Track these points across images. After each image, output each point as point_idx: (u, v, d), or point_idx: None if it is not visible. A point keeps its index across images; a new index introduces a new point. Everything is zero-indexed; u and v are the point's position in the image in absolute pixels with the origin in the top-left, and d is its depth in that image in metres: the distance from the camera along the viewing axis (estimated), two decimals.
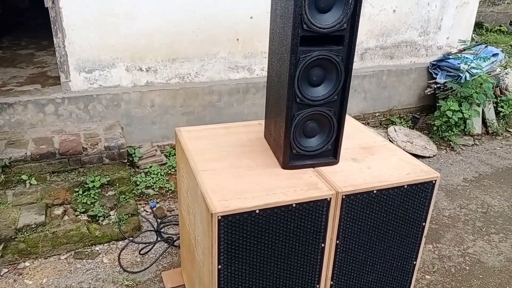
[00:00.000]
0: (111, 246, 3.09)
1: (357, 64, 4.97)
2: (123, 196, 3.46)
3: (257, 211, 1.70)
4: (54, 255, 2.94)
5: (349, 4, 1.72)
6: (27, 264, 2.86)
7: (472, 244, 3.28)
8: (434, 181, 1.99)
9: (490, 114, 5.34)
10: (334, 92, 1.87)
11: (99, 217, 3.20)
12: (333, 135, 1.97)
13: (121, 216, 3.24)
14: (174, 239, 3.15)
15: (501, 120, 5.44)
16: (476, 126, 5.15)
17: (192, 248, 2.21)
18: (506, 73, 5.83)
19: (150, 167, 3.91)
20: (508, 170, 4.48)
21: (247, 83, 4.40)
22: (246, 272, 1.81)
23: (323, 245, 1.90)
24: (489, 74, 5.04)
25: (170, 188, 3.78)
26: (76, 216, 3.17)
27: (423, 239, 2.14)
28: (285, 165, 1.95)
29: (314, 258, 1.91)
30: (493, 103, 5.35)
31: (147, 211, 3.52)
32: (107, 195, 3.45)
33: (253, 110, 4.50)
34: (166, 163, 4.08)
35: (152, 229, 3.29)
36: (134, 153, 3.91)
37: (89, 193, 3.38)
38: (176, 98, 4.15)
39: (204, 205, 1.73)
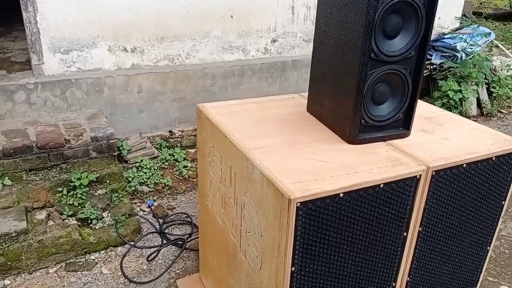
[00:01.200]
0: (109, 253, 2.60)
1: None
2: (116, 194, 2.97)
3: (341, 195, 1.33)
4: (41, 268, 2.42)
5: None
6: (7, 282, 2.33)
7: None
8: None
9: (484, 95, 5.24)
10: (412, 46, 1.53)
11: (91, 220, 2.70)
12: (406, 100, 1.63)
13: (117, 218, 2.76)
14: (186, 240, 2.71)
15: (494, 101, 5.37)
16: (472, 107, 5.03)
17: (229, 248, 1.80)
18: (493, 54, 5.80)
19: (141, 161, 3.43)
20: None
21: (243, 65, 4.00)
22: (321, 274, 1.44)
23: (405, 234, 1.56)
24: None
25: (166, 184, 3.32)
26: (63, 220, 2.66)
27: (500, 220, 1.85)
28: (353, 139, 1.59)
29: (394, 251, 1.57)
30: (485, 84, 5.26)
31: (144, 211, 3.05)
32: (96, 194, 2.95)
33: (249, 95, 4.11)
34: (158, 156, 3.60)
35: (155, 230, 2.83)
36: (122, 145, 3.41)
37: (75, 192, 2.86)
38: (165, 83, 3.68)
39: (270, 191, 1.34)
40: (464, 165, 1.56)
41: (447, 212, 1.63)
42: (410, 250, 1.61)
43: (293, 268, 1.35)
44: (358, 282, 1.55)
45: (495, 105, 5.31)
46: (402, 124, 1.68)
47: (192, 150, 3.85)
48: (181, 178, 3.49)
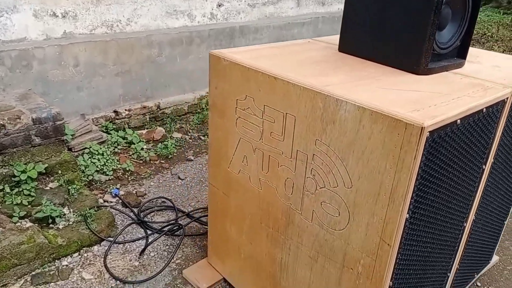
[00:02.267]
0: (85, 255, 2.09)
1: (294, 11, 4.55)
2: (73, 186, 2.42)
3: (458, 122, 1.13)
4: None
5: None
6: None
7: None
8: None
9: None
10: None
11: (53, 218, 2.15)
12: (466, 23, 1.49)
13: (84, 213, 2.24)
14: (182, 225, 2.31)
15: None
16: None
17: (277, 216, 1.50)
18: None
19: (90, 147, 2.87)
20: None
21: (190, 32, 3.59)
22: (428, 219, 1.24)
23: (484, 166, 1.43)
24: None
25: (127, 169, 2.83)
26: (15, 223, 2.06)
27: None
28: (424, 68, 1.40)
29: (472, 187, 1.43)
30: None
31: (109, 201, 2.54)
32: (48, 188, 2.37)
33: (199, 66, 3.72)
34: (106, 140, 3.06)
35: (133, 221, 2.37)
36: (64, 130, 2.80)
37: (21, 189, 2.26)
38: (107, 54, 3.12)
39: (378, 126, 1.08)
40: None
41: (510, 140, 1.55)
42: (481, 186, 1.50)
43: (407, 215, 1.13)
44: (447, 222, 1.38)
45: None
46: (457, 54, 1.55)
47: (144, 131, 3.36)
48: (141, 161, 3.01)
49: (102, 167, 2.78)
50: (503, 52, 6.71)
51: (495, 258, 2.19)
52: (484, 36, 7.48)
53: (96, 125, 3.15)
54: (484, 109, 1.23)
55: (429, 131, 1.03)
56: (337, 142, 1.21)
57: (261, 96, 1.42)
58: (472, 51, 1.83)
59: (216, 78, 1.62)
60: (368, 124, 1.11)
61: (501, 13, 10.81)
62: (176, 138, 3.34)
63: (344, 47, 1.67)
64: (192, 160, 3.08)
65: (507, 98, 1.33)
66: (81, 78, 3.05)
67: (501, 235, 2.04)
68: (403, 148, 1.05)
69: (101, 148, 2.89)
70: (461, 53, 1.54)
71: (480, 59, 1.69)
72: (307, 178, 1.35)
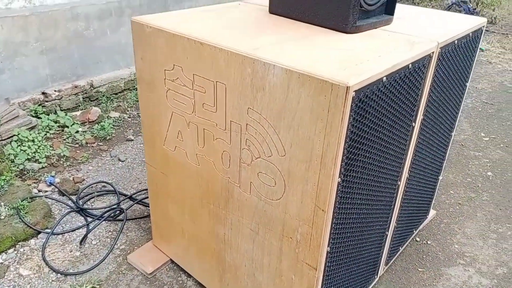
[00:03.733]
0: (21, 249, 1.96)
1: None
2: (2, 178, 2.24)
3: (384, 79, 1.11)
4: None
5: None
6: None
7: None
8: (482, 28, 1.73)
9: None
10: None
11: None
12: None
13: (16, 205, 2.08)
14: (124, 209, 2.21)
15: None
16: None
17: (216, 191, 1.46)
18: None
19: (18, 134, 2.65)
20: None
21: (120, 2, 3.36)
22: (361, 183, 1.23)
23: (413, 124, 1.45)
24: None
25: (62, 155, 2.65)
26: None
27: (462, 102, 1.90)
28: (353, 27, 1.37)
29: (403, 145, 1.45)
30: None
31: (44, 191, 2.38)
32: None
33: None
34: (37, 125, 2.85)
35: (71, 209, 2.24)
36: None
37: None
38: (27, 30, 2.86)
39: (305, 89, 1.05)
40: (456, 41, 1.50)
41: (438, 96, 1.58)
42: (413, 144, 1.53)
43: (339, 179, 1.11)
44: (380, 182, 1.40)
45: None
46: (385, 10, 1.52)
47: (78, 113, 3.16)
48: (77, 145, 2.83)
49: (33, 154, 2.59)
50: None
51: (432, 213, 2.29)
52: None
53: (23, 110, 2.92)
54: (410, 65, 1.22)
55: (355, 91, 1.00)
56: (268, 109, 1.16)
57: (190, 65, 1.34)
58: (401, 7, 1.82)
59: (141, 48, 1.51)
60: (296, 87, 1.07)
61: None
62: (114, 117, 3.17)
63: (274, 8, 1.60)
64: (132, 140, 2.94)
65: (433, 53, 1.34)
66: (1, 59, 2.78)
67: (437, 190, 2.12)
68: (330, 110, 1.01)
69: (31, 134, 2.69)
70: (389, 10, 1.52)
71: (408, 15, 1.69)
72: (242, 149, 1.30)
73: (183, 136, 1.50)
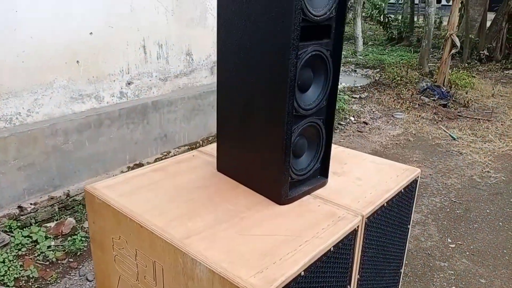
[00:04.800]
0: None
1: (208, 79, 4.67)
2: None
3: (302, 273, 1.21)
4: None
5: None
6: None
7: None
8: (417, 178, 1.87)
9: None
10: (324, 97, 1.52)
11: None
12: (322, 149, 1.61)
13: None
14: None
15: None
16: None
17: None
18: None
19: None
20: None
21: (98, 114, 3.56)
22: None
23: (349, 287, 1.52)
24: None
25: (31, 276, 2.68)
26: None
27: (407, 243, 1.99)
28: (285, 199, 1.49)
29: None
30: None
31: None
32: None
33: (111, 147, 3.68)
34: (9, 242, 2.90)
35: None
36: None
37: None
38: (6, 150, 3.00)
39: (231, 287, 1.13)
40: (385, 204, 1.62)
41: (375, 254, 1.67)
42: None
43: None
44: None
45: (335, 119, 5.96)
46: (321, 172, 1.66)
47: (52, 224, 3.22)
48: (48, 263, 2.87)
49: (2, 277, 2.62)
50: (411, 95, 7.28)
51: None
52: (395, 80, 8.07)
53: None
54: (332, 248, 1.32)
55: None
56: None
57: (133, 240, 1.44)
58: (342, 155, 1.98)
59: (93, 214, 1.61)
60: (219, 286, 1.15)
61: (412, 52, 11.78)
62: (87, 228, 3.24)
63: (220, 167, 1.74)
64: None
65: (358, 227, 1.45)
66: None
67: None
68: None
69: (1, 255, 2.73)
70: (323, 173, 1.66)
71: (346, 169, 1.83)
72: None
73: None
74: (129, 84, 3.84)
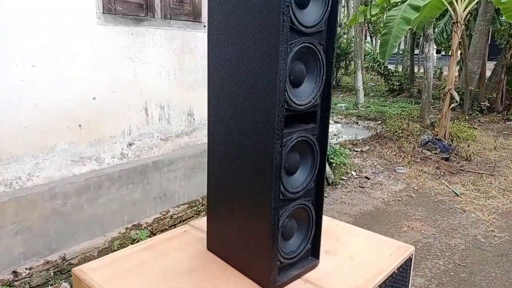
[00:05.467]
0: None
1: None
2: None
3: None
4: None
5: (321, 76, 1.46)
6: None
7: None
8: (411, 256, 1.84)
9: (327, 167, 5.85)
10: (312, 178, 1.54)
11: None
12: (312, 230, 1.61)
13: None
14: None
15: (335, 170, 6.03)
16: None
17: None
18: None
19: None
20: (363, 215, 4.88)
21: (98, 176, 3.59)
22: None
23: None
24: None
25: None
26: None
27: None
28: (273, 286, 1.47)
29: None
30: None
31: None
32: None
33: (110, 208, 3.68)
34: None
35: None
36: None
37: None
38: (4, 214, 3.01)
39: None
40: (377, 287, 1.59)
41: None
42: None
43: None
44: None
45: (337, 174, 5.96)
46: (312, 253, 1.65)
47: None
48: None
49: None
50: (413, 149, 7.30)
51: None
52: (396, 133, 8.14)
53: None
54: None
55: None
56: None
57: None
58: (335, 230, 1.96)
59: None
60: None
61: (413, 103, 11.96)
62: None
63: (210, 246, 1.73)
64: None
65: None
66: None
67: None
68: None
69: None
70: (314, 254, 1.64)
71: (338, 247, 1.81)
72: None
73: None
74: (130, 145, 3.90)
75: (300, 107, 1.40)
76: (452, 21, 7.31)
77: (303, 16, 1.33)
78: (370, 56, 15.11)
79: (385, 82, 14.44)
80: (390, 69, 14.86)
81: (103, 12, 3.46)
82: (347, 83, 16.85)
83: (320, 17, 1.37)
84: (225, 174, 1.58)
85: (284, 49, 1.26)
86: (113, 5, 3.54)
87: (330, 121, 8.13)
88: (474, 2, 7.36)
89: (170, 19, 4.07)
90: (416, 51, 17.68)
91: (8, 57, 2.96)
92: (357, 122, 9.92)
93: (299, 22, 1.30)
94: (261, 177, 1.40)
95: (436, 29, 12.96)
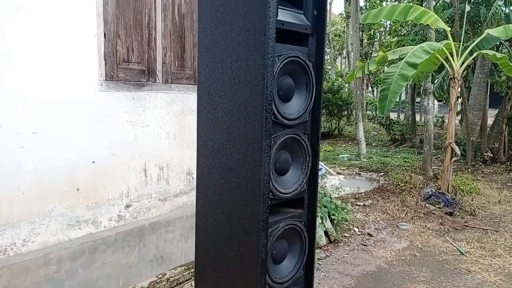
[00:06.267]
0: None
1: None
2: None
3: None
4: None
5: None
6: None
7: None
8: None
9: (328, 224, 5.77)
10: (301, 267, 1.52)
11: None
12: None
13: None
14: None
15: (337, 227, 5.94)
16: (322, 238, 5.44)
17: None
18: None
19: None
20: (365, 276, 4.75)
21: (94, 240, 3.56)
22: None
23: None
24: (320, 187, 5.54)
25: None
26: None
27: None
28: None
29: None
30: (327, 213, 5.84)
31: None
32: None
33: (104, 272, 3.61)
34: None
35: None
36: None
37: None
38: None
39: None
40: None
41: None
42: None
43: None
44: None
45: (339, 231, 5.87)
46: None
47: None
48: None
49: None
50: (416, 203, 7.22)
51: None
52: (399, 186, 8.09)
53: None
54: None
55: None
56: None
57: None
58: None
59: None
60: None
61: (416, 153, 11.98)
62: None
63: None
64: None
65: None
66: None
67: None
68: None
69: None
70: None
71: None
72: None
73: None
74: (127, 207, 3.90)
75: (285, 195, 1.41)
76: (449, 77, 7.47)
77: (287, 109, 1.37)
78: (372, 105, 15.35)
79: (387, 132, 14.55)
80: (391, 119, 15.02)
81: (106, 79, 3.59)
82: (349, 132, 17.00)
83: (304, 108, 1.41)
84: (213, 258, 1.56)
85: (267, 143, 1.29)
86: (116, 72, 3.67)
87: (333, 172, 8.16)
88: (470, 58, 7.57)
89: (171, 83, 4.20)
90: (418, 99, 17.90)
91: (10, 125, 3.04)
92: (359, 174, 9.89)
93: (282, 116, 1.34)
94: (248, 269, 1.38)
95: (436, 81, 13.22)
